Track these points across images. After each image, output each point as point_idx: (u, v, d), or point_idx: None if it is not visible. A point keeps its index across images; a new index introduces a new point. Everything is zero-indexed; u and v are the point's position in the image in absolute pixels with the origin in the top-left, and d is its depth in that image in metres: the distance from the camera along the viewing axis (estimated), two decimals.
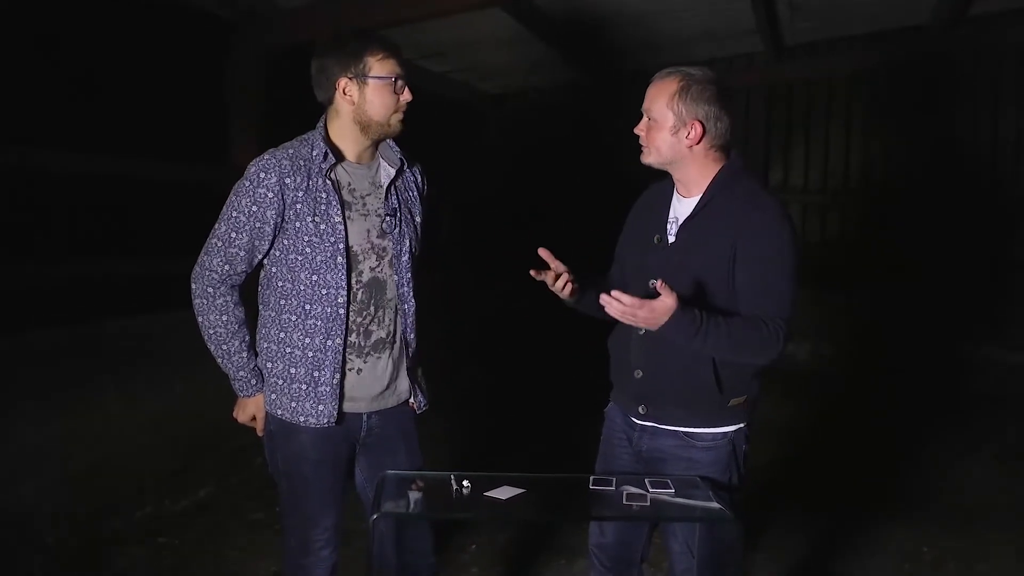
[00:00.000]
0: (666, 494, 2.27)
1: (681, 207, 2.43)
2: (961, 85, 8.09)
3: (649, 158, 2.40)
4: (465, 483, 2.27)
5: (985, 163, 8.06)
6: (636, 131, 2.41)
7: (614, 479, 2.31)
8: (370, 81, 2.38)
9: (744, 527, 2.20)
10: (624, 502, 2.22)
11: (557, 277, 2.43)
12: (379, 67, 2.38)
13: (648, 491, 2.27)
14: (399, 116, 2.45)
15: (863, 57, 8.19)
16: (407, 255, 2.54)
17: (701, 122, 2.31)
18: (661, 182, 2.55)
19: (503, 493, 2.23)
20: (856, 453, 5.69)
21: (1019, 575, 3.92)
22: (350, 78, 2.38)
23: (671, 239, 2.41)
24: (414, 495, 2.33)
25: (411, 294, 2.56)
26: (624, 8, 6.52)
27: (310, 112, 2.58)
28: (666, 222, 2.44)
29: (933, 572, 3.95)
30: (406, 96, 2.43)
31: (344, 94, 2.39)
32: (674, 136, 2.33)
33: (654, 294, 2.18)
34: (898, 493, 4.95)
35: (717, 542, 2.38)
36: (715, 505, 2.23)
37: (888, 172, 8.28)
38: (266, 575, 3.69)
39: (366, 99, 2.39)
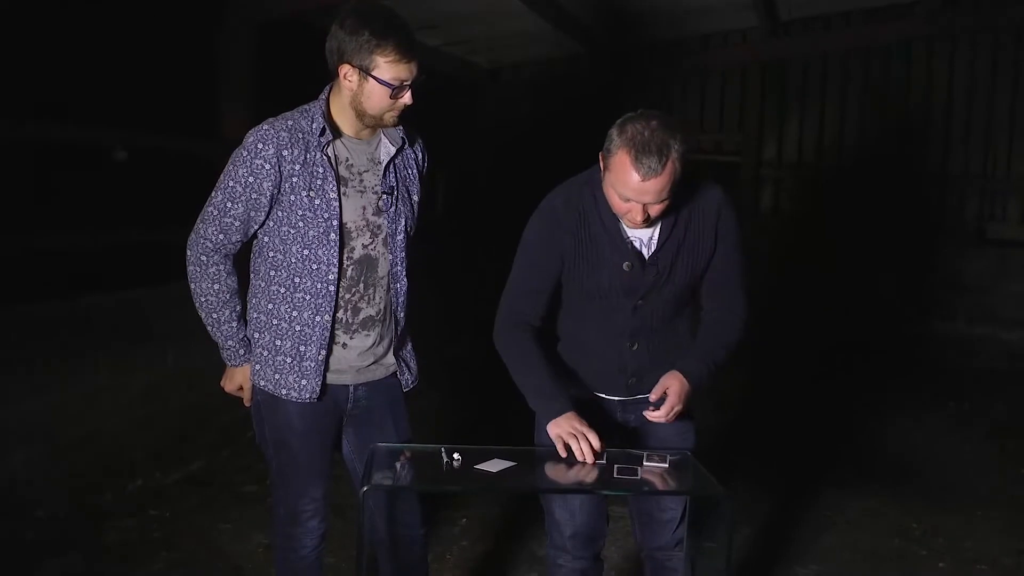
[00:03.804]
0: (659, 468, 2.26)
1: (639, 232, 2.35)
2: (957, 61, 8.08)
3: (649, 223, 2.29)
4: (456, 456, 2.26)
5: (979, 140, 8.08)
6: (655, 216, 2.24)
7: (604, 453, 2.31)
8: (371, 78, 2.30)
9: (735, 503, 2.21)
10: (616, 475, 2.22)
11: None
12: (385, 69, 2.28)
13: (643, 464, 2.26)
14: (394, 114, 2.38)
15: (858, 33, 8.17)
16: (402, 234, 2.51)
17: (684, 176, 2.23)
18: (563, 200, 2.40)
19: (494, 466, 2.23)
20: (843, 428, 5.73)
21: (1006, 550, 3.95)
22: (354, 66, 2.30)
23: (648, 261, 2.36)
24: (404, 467, 2.34)
25: (404, 273, 2.53)
26: None
27: (302, 84, 2.53)
28: (628, 247, 2.35)
29: (923, 547, 3.98)
30: (406, 100, 2.35)
31: (346, 79, 2.33)
32: (672, 199, 2.24)
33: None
34: (887, 468, 4.98)
35: (706, 518, 2.38)
36: (707, 479, 2.23)
37: (882, 148, 8.28)
38: (257, 548, 3.69)
39: (364, 92, 2.32)
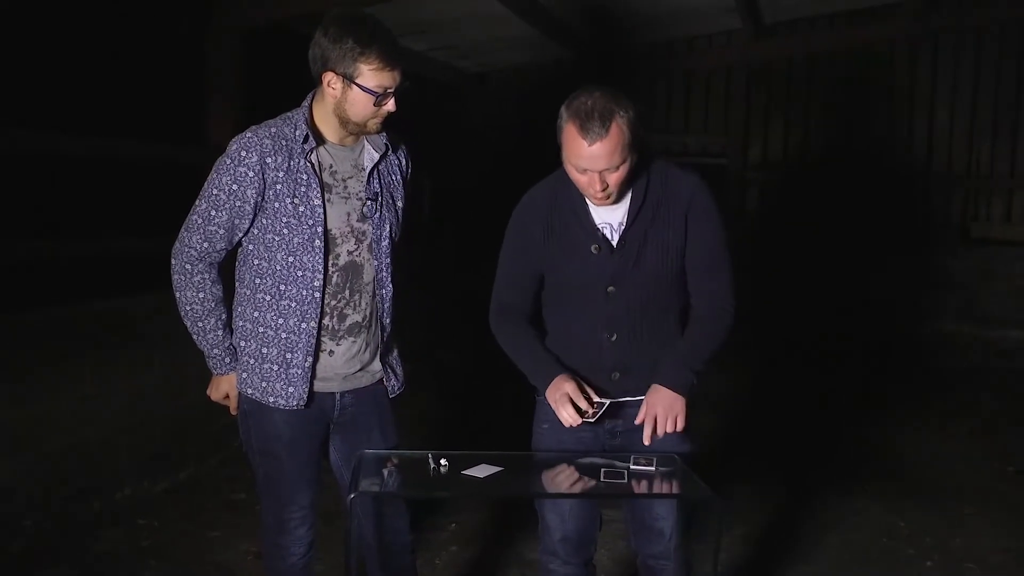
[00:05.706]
0: (646, 472, 2.27)
1: (607, 213, 2.39)
2: (940, 61, 8.13)
3: (614, 198, 2.34)
4: (443, 462, 2.27)
5: (962, 140, 8.14)
6: (614, 187, 2.28)
7: (601, 403, 2.33)
8: (355, 86, 2.31)
9: (724, 505, 2.21)
10: (603, 480, 2.23)
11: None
12: (369, 77, 2.30)
13: (629, 468, 2.27)
14: (378, 121, 2.39)
15: (842, 34, 8.22)
16: (387, 240, 2.51)
17: (637, 144, 2.28)
18: (539, 192, 2.50)
19: (481, 471, 2.24)
20: (830, 426, 5.75)
21: (993, 549, 3.97)
22: (338, 74, 2.31)
23: (615, 245, 2.39)
24: (391, 474, 2.34)
25: (389, 279, 2.53)
26: None
27: (290, 91, 2.53)
28: (596, 230, 2.39)
29: (910, 546, 3.99)
30: (389, 107, 2.36)
31: (329, 86, 2.33)
32: (629, 167, 2.29)
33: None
34: (874, 467, 5.00)
35: (697, 521, 2.39)
36: (695, 483, 2.24)
37: (867, 148, 8.32)
38: (246, 556, 3.69)
39: (347, 99, 2.33)
